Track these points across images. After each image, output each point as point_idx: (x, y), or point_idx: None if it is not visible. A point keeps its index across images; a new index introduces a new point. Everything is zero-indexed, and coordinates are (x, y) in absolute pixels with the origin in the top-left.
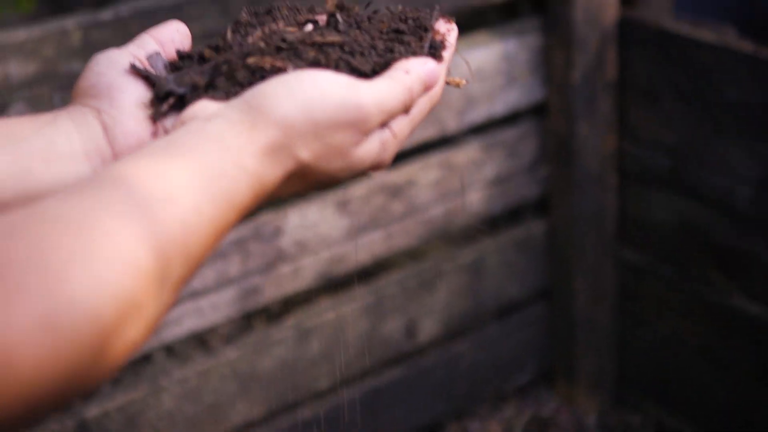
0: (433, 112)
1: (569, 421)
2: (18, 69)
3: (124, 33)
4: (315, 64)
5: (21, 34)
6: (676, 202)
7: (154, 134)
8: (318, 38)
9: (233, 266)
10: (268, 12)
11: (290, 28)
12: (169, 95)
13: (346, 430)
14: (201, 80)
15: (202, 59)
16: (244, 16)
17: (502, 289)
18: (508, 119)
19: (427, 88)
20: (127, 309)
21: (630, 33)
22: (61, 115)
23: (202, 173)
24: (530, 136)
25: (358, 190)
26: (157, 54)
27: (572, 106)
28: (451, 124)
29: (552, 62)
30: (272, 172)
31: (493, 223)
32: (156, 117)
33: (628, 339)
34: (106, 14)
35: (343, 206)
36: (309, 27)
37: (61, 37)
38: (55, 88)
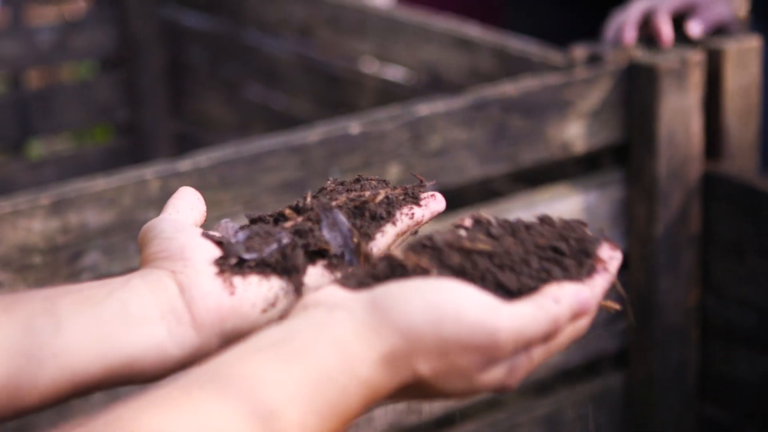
0: None
1: None
2: (95, 217)
3: (202, 183)
4: (460, 272)
5: (100, 183)
6: (761, 360)
7: (232, 294)
8: (467, 244)
9: None
10: (357, 181)
11: (438, 229)
12: (240, 260)
13: None
14: (267, 244)
15: (280, 219)
16: (330, 184)
17: None
18: None
19: (575, 317)
20: None
21: (715, 187)
22: (133, 277)
23: (313, 383)
24: (610, 289)
25: None
26: (227, 221)
27: (654, 260)
28: None
29: (634, 215)
30: (387, 383)
31: (570, 375)
32: (222, 271)
33: None
34: (185, 164)
35: None
36: (461, 231)
37: (139, 186)
38: (131, 237)
